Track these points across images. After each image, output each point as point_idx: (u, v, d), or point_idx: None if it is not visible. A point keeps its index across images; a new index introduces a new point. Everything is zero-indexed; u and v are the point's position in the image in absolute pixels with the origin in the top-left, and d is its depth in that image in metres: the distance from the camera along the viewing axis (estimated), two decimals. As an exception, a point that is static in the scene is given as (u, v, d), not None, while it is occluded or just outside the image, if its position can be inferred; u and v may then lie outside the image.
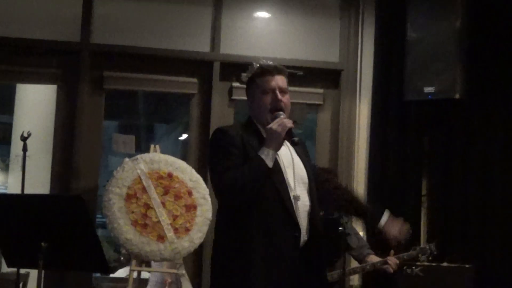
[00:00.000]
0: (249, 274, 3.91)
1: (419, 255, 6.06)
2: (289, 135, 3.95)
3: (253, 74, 4.19)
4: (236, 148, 3.99)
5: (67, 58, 7.12)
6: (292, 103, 4.28)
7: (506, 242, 7.14)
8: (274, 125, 3.95)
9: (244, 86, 4.30)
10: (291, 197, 4.00)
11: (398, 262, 6.00)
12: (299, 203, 4.02)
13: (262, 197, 3.94)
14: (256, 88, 4.16)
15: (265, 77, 4.14)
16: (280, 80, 4.14)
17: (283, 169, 4.04)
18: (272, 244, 3.92)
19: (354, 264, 6.50)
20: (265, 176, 3.91)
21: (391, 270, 6.01)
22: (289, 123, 3.95)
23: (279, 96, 4.09)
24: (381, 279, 6.25)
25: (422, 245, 6.17)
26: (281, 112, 4.03)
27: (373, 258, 6.09)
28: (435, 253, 6.07)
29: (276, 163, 4.00)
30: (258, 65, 4.22)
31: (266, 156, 3.91)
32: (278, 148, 3.95)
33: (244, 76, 4.33)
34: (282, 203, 3.97)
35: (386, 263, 5.98)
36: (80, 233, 4.03)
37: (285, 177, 4.02)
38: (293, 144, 4.02)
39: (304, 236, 4.01)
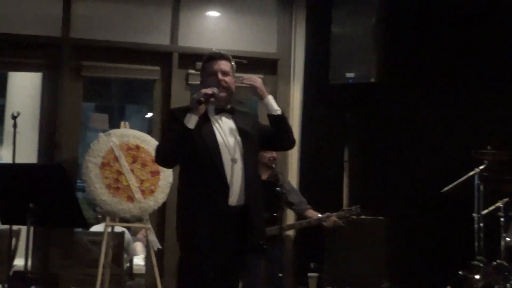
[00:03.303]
0: (192, 226, 3.98)
1: (347, 215, 6.08)
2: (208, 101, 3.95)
3: (203, 61, 4.22)
4: (177, 124, 3.98)
5: (50, 51, 7.04)
6: (239, 87, 4.29)
7: (413, 199, 7.26)
8: (195, 94, 4.00)
9: (199, 73, 4.31)
10: (229, 160, 4.01)
11: (335, 219, 6.01)
12: (236, 165, 4.03)
13: (200, 160, 3.98)
14: (204, 72, 4.18)
15: (210, 62, 4.16)
16: (222, 64, 4.14)
17: (221, 136, 4.05)
18: (207, 200, 3.95)
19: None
20: (185, 135, 3.92)
21: (327, 225, 6.04)
22: (206, 91, 3.96)
23: (220, 76, 4.10)
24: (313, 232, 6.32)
25: (350, 207, 6.17)
26: (214, 87, 4.03)
27: (311, 213, 6.11)
28: (360, 214, 6.08)
29: (212, 131, 4.04)
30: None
31: (186, 119, 3.93)
32: (196, 112, 3.94)
33: (199, 64, 4.33)
34: (214, 165, 3.98)
35: (320, 220, 6.01)
36: (62, 195, 4.01)
37: (221, 143, 4.03)
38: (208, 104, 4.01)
39: (237, 193, 4.01)
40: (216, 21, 7.50)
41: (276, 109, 4.19)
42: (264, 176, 5.95)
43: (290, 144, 4.41)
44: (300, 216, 6.29)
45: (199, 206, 3.96)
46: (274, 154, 5.94)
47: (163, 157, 4.07)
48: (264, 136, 4.26)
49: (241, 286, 5.80)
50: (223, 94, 4.09)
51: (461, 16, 7.36)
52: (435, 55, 7.34)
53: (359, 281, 6.55)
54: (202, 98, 3.92)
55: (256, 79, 4.22)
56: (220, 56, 4.17)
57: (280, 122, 4.21)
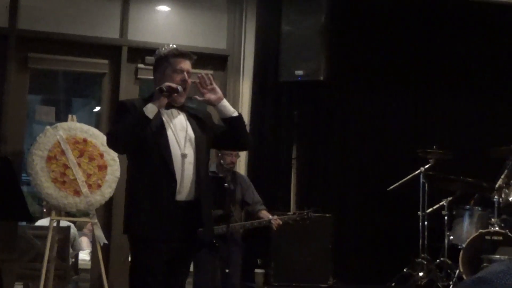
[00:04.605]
0: (138, 218, 3.95)
1: (298, 218, 6.03)
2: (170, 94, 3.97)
3: (168, 53, 4.14)
4: (129, 113, 3.96)
5: (-4, 41, 6.89)
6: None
7: (359, 197, 7.33)
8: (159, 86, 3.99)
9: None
10: (179, 155, 3.98)
11: (281, 223, 5.97)
12: (186, 160, 4.00)
13: (149, 154, 3.95)
14: (168, 65, 4.11)
15: (179, 58, 4.11)
16: (189, 64, 4.13)
17: (172, 131, 4.02)
18: (154, 193, 3.93)
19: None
20: (141, 121, 3.89)
21: (274, 228, 5.99)
22: (171, 85, 3.96)
23: (186, 76, 4.08)
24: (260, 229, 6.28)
25: (301, 211, 6.13)
26: (179, 86, 4.01)
27: (264, 214, 6.07)
28: (312, 217, 6.02)
29: (163, 126, 4.01)
30: (174, 46, 4.18)
31: (146, 108, 3.90)
32: (157, 102, 3.93)
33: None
34: (163, 159, 3.95)
35: (270, 222, 5.97)
36: (7, 188, 3.93)
37: (171, 138, 4.00)
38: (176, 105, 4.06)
39: (187, 188, 3.99)
40: (166, 15, 7.43)
41: (233, 110, 4.15)
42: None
43: (249, 145, 4.40)
44: (252, 215, 6.24)
45: (146, 198, 3.93)
46: (234, 159, 5.96)
47: (116, 141, 3.99)
48: (217, 135, 4.22)
49: (193, 282, 5.79)
50: (184, 96, 4.09)
51: (410, 16, 7.45)
52: (383, 54, 7.43)
53: (305, 278, 6.57)
54: (164, 88, 3.90)
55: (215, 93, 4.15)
56: (189, 56, 4.16)
57: (238, 123, 4.16)
